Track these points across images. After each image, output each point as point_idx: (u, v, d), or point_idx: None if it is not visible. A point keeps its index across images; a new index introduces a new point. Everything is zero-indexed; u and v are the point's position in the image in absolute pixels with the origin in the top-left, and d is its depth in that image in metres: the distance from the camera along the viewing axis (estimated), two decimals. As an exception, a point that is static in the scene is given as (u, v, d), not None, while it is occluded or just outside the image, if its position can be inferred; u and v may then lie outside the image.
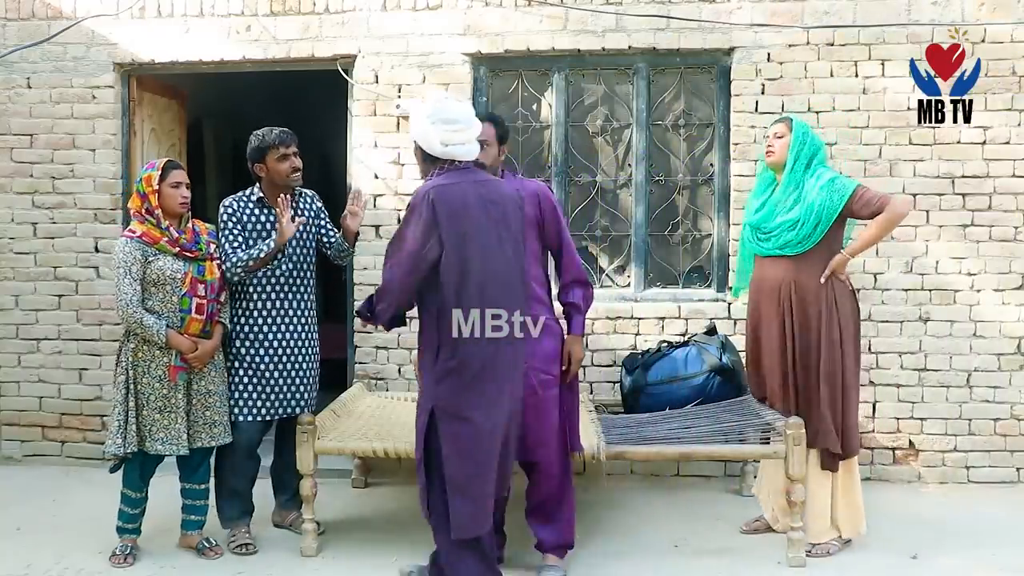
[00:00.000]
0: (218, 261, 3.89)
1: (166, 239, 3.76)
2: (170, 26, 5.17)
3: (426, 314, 3.23)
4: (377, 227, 5.05)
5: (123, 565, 3.82)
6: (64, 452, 5.29)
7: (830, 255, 3.82)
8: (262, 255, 3.88)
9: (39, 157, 5.28)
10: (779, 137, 3.91)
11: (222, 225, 3.96)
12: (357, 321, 5.14)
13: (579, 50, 4.99)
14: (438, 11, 5.02)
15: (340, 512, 4.43)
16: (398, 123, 5.04)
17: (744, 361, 4.21)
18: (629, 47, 4.95)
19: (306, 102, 7.63)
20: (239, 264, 3.87)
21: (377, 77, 5.08)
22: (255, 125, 4.06)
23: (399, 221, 4.67)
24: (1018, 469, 4.86)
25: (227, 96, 6.88)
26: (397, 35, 5.05)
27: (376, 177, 5.11)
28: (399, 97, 5.04)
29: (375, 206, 5.10)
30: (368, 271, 5.04)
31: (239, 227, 3.96)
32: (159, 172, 3.79)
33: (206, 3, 5.14)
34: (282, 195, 3.91)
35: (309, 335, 4.13)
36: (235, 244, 3.93)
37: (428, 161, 3.31)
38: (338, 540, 4.11)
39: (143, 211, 3.78)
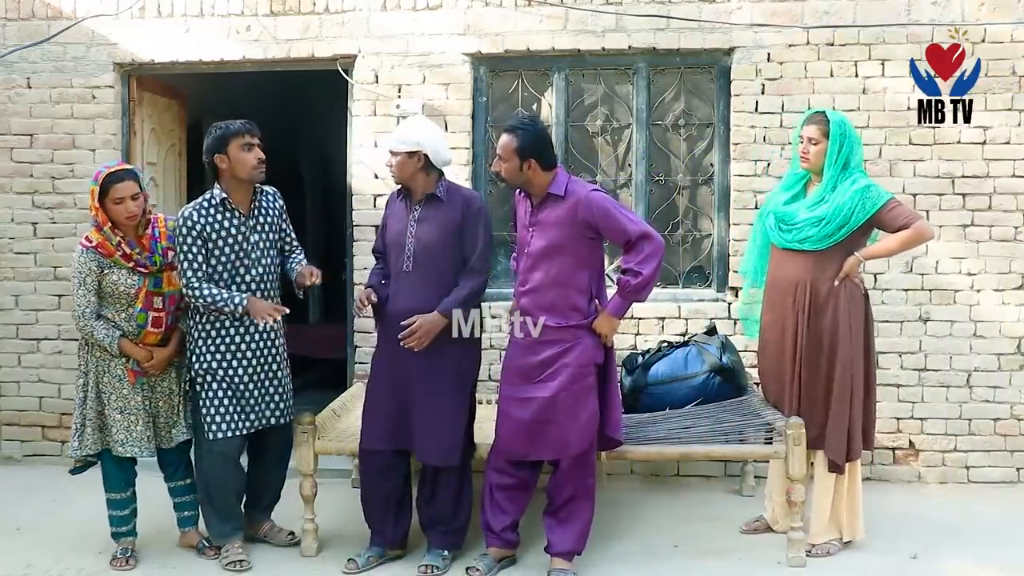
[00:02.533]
0: (178, 272, 3.73)
1: (119, 254, 3.65)
2: (170, 26, 5.16)
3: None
4: (377, 227, 5.03)
5: (124, 568, 3.80)
6: (64, 452, 5.25)
7: (847, 259, 3.82)
8: (224, 308, 3.67)
9: (39, 157, 5.28)
10: (814, 143, 3.84)
11: (180, 240, 3.70)
12: (357, 321, 5.14)
13: (579, 50, 4.98)
14: (438, 11, 5.02)
15: (340, 512, 4.42)
16: (398, 123, 5.02)
17: (756, 357, 4.19)
18: (629, 47, 4.95)
19: (306, 102, 7.64)
20: (198, 300, 3.68)
21: (377, 77, 5.08)
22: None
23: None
24: (1018, 469, 4.86)
25: (227, 96, 6.89)
26: (397, 35, 5.05)
27: (376, 177, 5.11)
28: (399, 97, 5.04)
29: (375, 206, 5.10)
30: (368, 271, 5.02)
31: (199, 242, 3.70)
32: (98, 189, 3.61)
33: (206, 3, 5.14)
34: (274, 309, 3.70)
35: (278, 341, 3.93)
36: (195, 265, 3.69)
37: (429, 168, 3.73)
38: (338, 540, 4.11)
39: (97, 221, 3.65)
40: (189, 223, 3.72)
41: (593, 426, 3.61)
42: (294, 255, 4.01)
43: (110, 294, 3.68)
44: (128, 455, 3.73)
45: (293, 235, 4.05)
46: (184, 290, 3.71)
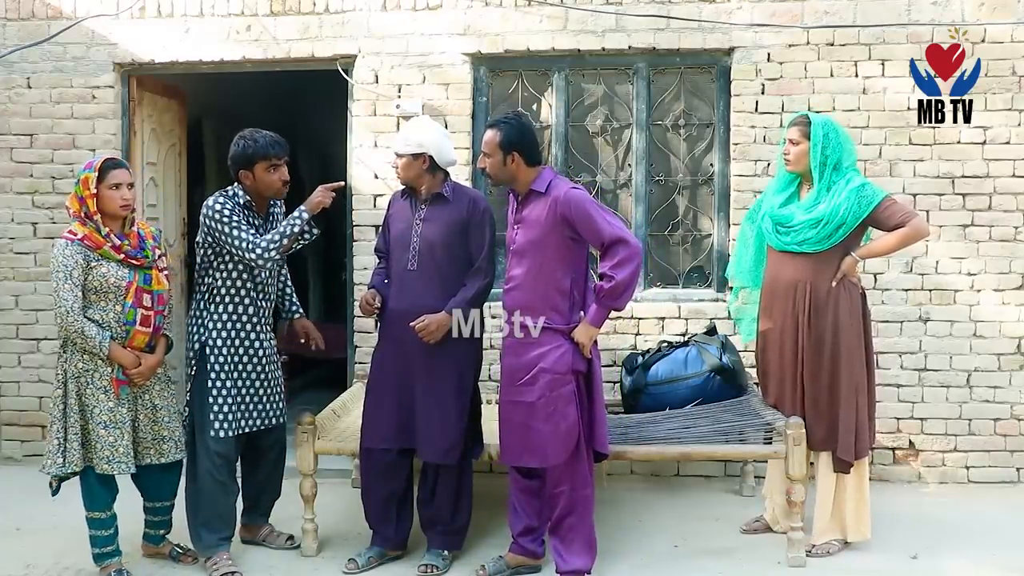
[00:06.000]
0: (166, 272, 3.67)
1: (109, 245, 3.50)
2: (170, 26, 5.17)
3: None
4: (377, 227, 5.03)
5: None
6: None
7: (845, 259, 3.83)
8: (295, 228, 3.62)
9: (39, 157, 5.28)
10: (795, 144, 3.85)
11: (226, 219, 3.63)
12: (357, 321, 5.14)
13: (579, 50, 4.99)
14: (438, 11, 5.02)
15: (340, 512, 4.42)
16: (398, 123, 5.04)
17: (755, 359, 4.20)
18: (629, 47, 4.95)
19: (306, 102, 7.64)
20: (272, 246, 3.61)
21: (377, 77, 5.08)
22: (255, 125, 3.95)
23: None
24: (1018, 469, 4.86)
25: (227, 96, 6.89)
26: (397, 35, 5.05)
27: (376, 177, 5.11)
28: (399, 97, 5.04)
29: (375, 206, 5.11)
30: (368, 271, 5.03)
31: (241, 216, 3.68)
32: (96, 173, 3.48)
33: (206, 3, 5.14)
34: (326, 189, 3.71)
35: (273, 341, 3.94)
36: (251, 232, 3.65)
37: (434, 169, 3.76)
38: (338, 540, 4.11)
39: (82, 214, 3.50)
40: (228, 206, 3.67)
41: (572, 437, 3.52)
42: (286, 288, 4.12)
43: (97, 289, 3.50)
44: (114, 472, 3.54)
45: None
46: (252, 252, 3.60)
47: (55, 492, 3.67)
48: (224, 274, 3.77)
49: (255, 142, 3.72)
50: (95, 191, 3.49)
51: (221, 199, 3.73)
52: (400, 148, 3.76)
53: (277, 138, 3.78)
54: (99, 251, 3.51)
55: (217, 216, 3.66)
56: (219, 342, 3.75)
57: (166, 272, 3.71)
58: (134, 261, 3.56)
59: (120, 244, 3.53)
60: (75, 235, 3.50)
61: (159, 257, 3.68)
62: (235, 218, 3.66)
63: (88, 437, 3.54)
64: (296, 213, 3.69)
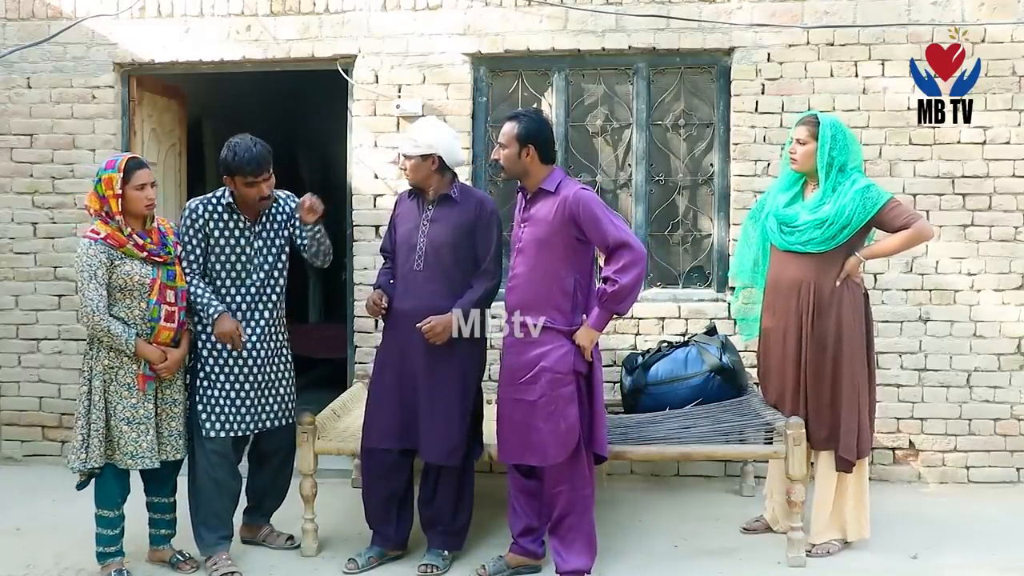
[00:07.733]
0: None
1: (132, 243, 3.53)
2: (170, 26, 5.17)
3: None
4: (377, 227, 5.05)
5: None
6: (64, 452, 5.26)
7: (848, 259, 3.83)
8: (199, 310, 3.69)
9: (39, 157, 5.28)
10: (802, 144, 3.86)
11: (183, 230, 3.73)
12: (357, 321, 5.14)
13: (579, 50, 4.99)
14: (438, 11, 5.02)
15: (340, 512, 4.42)
16: (398, 123, 5.04)
17: (756, 359, 4.19)
18: (629, 47, 4.95)
19: (306, 102, 7.64)
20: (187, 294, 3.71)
21: (377, 77, 5.08)
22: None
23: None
24: (1018, 469, 4.86)
25: (227, 96, 6.89)
26: (397, 35, 5.05)
27: (376, 177, 5.11)
28: (399, 97, 5.04)
29: (375, 206, 5.10)
30: (368, 271, 5.03)
31: (200, 235, 3.73)
32: (121, 174, 3.50)
33: (206, 3, 5.14)
34: (235, 338, 3.67)
35: (280, 344, 3.91)
36: (191, 257, 3.72)
37: (443, 170, 3.77)
38: (338, 540, 4.11)
39: (103, 213, 3.53)
40: (194, 215, 3.75)
41: (572, 437, 3.52)
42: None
43: (122, 287, 3.52)
44: (138, 467, 3.57)
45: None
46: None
47: (80, 487, 3.71)
48: (207, 268, 3.77)
49: (235, 155, 3.67)
50: (120, 192, 3.52)
51: (195, 206, 3.77)
52: (409, 150, 3.75)
53: (259, 154, 3.68)
54: (122, 249, 3.53)
55: (181, 223, 3.77)
56: (199, 346, 3.75)
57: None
58: (157, 258, 3.60)
59: (143, 242, 3.57)
60: (98, 234, 3.53)
61: (180, 252, 3.72)
62: (190, 233, 3.74)
63: (111, 433, 3.58)
64: (212, 310, 3.67)
